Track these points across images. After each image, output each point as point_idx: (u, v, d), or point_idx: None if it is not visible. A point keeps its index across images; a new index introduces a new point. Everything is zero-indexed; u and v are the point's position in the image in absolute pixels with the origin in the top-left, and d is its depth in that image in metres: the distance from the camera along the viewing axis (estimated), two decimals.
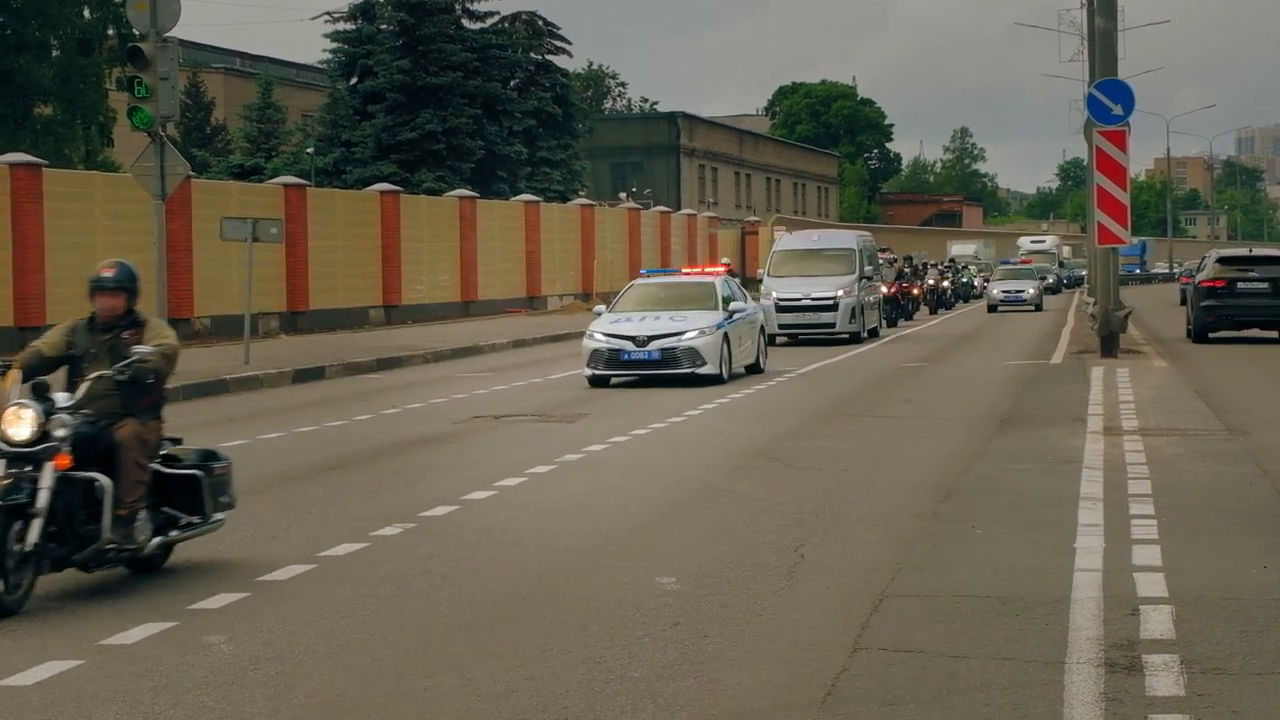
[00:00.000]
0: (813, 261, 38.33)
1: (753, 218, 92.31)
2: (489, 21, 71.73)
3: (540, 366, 30.37)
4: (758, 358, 27.53)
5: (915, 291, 54.63)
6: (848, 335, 37.08)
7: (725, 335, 25.44)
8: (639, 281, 28.68)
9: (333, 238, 44.91)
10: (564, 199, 68.53)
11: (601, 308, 27.30)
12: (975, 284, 74.98)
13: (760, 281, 45.92)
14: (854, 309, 37.05)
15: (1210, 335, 35.39)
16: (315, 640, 8.76)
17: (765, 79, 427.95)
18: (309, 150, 66.19)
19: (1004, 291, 60.54)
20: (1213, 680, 7.63)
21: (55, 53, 50.97)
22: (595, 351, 25.27)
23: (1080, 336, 36.99)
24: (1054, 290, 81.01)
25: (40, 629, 9.16)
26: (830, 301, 36.69)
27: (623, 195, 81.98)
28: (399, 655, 8.43)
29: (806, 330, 36.96)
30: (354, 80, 66.48)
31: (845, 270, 37.62)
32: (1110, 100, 30.11)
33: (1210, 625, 8.69)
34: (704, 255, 71.39)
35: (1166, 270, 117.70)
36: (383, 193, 48.75)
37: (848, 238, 40.89)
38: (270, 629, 9.03)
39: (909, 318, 51.26)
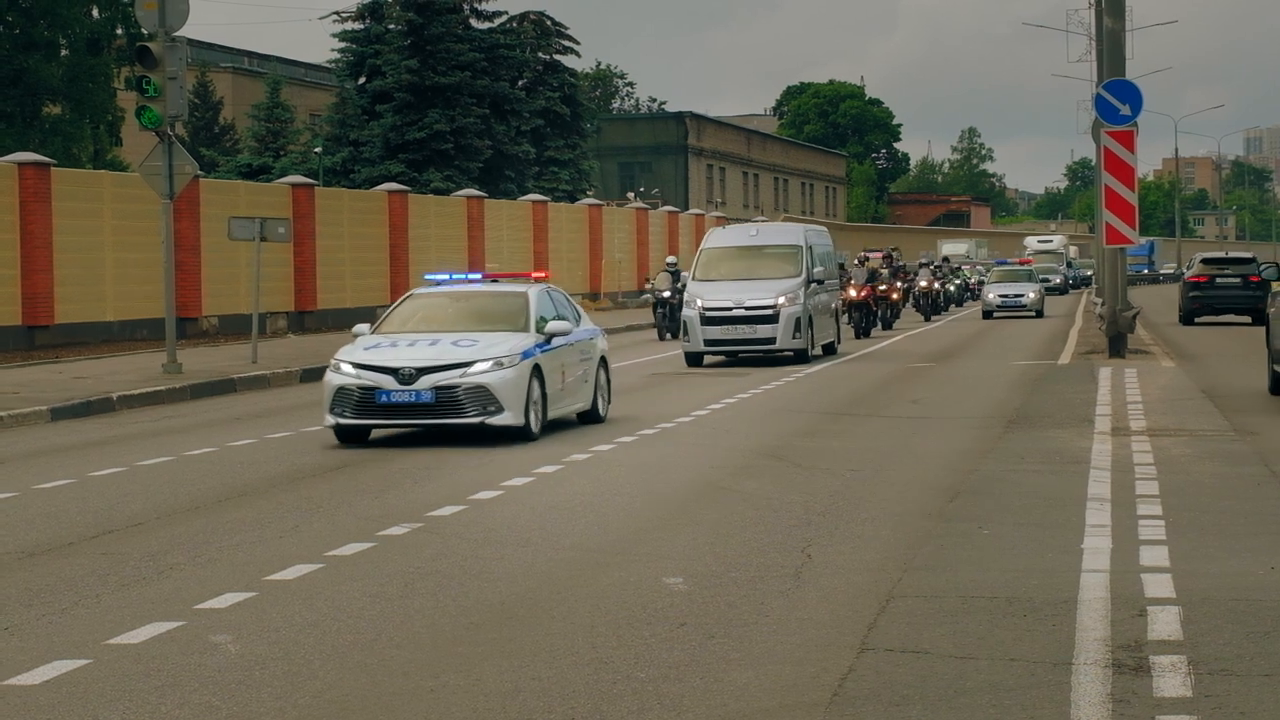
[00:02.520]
0: (749, 261, 31.51)
1: (760, 218, 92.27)
2: (497, 21, 71.84)
3: None
4: (595, 401, 19.92)
5: (894, 296, 47.07)
6: (791, 353, 30.33)
7: (536, 369, 18.00)
8: (420, 290, 20.46)
9: (340, 237, 44.96)
10: (572, 199, 68.57)
11: (363, 327, 19.26)
12: (969, 286, 70.15)
13: None
14: (799, 320, 30.06)
15: (1195, 320, 45.11)
16: (322, 640, 8.76)
17: (773, 79, 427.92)
18: (317, 150, 66.21)
19: (1001, 296, 54.67)
20: (1220, 681, 7.62)
21: (64, 52, 51.13)
22: (340, 391, 17.66)
23: (1088, 337, 36.98)
24: (1060, 291, 79.91)
25: (47, 628, 9.17)
26: (769, 311, 29.88)
27: (630, 195, 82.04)
28: (406, 655, 8.43)
29: (740, 347, 30.41)
30: (362, 80, 66.55)
31: (789, 272, 30.86)
32: (1118, 100, 30.09)
33: (1218, 626, 8.68)
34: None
35: (1174, 270, 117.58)
36: (390, 192, 48.79)
37: (793, 232, 33.62)
38: (277, 628, 9.03)
39: (888, 326, 45.43)
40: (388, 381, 17.49)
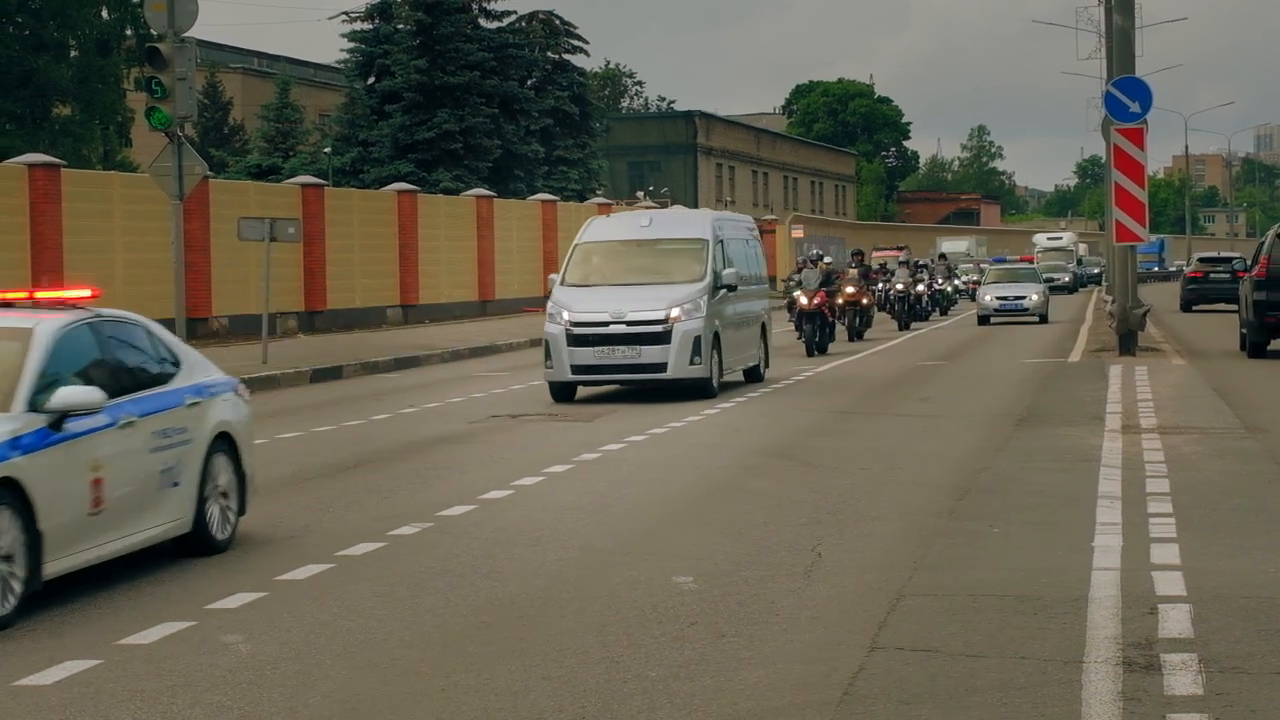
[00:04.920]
0: (638, 260, 23.93)
1: (770, 216, 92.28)
2: (506, 21, 71.85)
3: None
4: (201, 514, 11.36)
5: (865, 301, 39.64)
6: (689, 382, 22.63)
7: (7, 488, 9.47)
8: None
9: (350, 237, 44.97)
10: (581, 198, 68.57)
11: None
12: (961, 288, 62.73)
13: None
14: (699, 339, 22.50)
15: (1193, 308, 53.15)
16: (333, 639, 8.77)
17: (782, 77, 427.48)
18: (326, 150, 66.27)
19: (999, 298, 47.74)
20: (1231, 679, 7.61)
21: (74, 53, 51.20)
22: None
23: (1098, 334, 36.95)
24: (1070, 290, 79.41)
25: (59, 629, 9.19)
26: (658, 327, 22.38)
27: (640, 194, 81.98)
28: (416, 654, 8.44)
29: (619, 375, 22.84)
30: (371, 80, 66.58)
31: (690, 274, 23.33)
32: (1128, 98, 30.05)
33: (1229, 624, 8.67)
34: None
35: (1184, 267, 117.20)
36: (400, 192, 48.82)
37: (698, 221, 25.36)
38: (288, 628, 9.04)
39: (858, 337, 38.56)
40: None
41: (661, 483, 14.64)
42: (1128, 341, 30.27)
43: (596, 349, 22.43)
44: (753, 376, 25.58)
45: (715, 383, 23.07)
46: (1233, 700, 7.27)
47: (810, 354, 32.24)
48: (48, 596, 9.94)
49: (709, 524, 12.40)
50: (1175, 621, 8.70)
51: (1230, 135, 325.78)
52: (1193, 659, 7.93)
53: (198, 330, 36.34)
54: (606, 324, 22.47)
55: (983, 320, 47.51)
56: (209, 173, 33.04)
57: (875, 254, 59.28)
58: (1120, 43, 32.36)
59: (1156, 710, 7.14)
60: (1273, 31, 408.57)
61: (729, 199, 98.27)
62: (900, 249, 63.60)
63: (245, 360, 29.96)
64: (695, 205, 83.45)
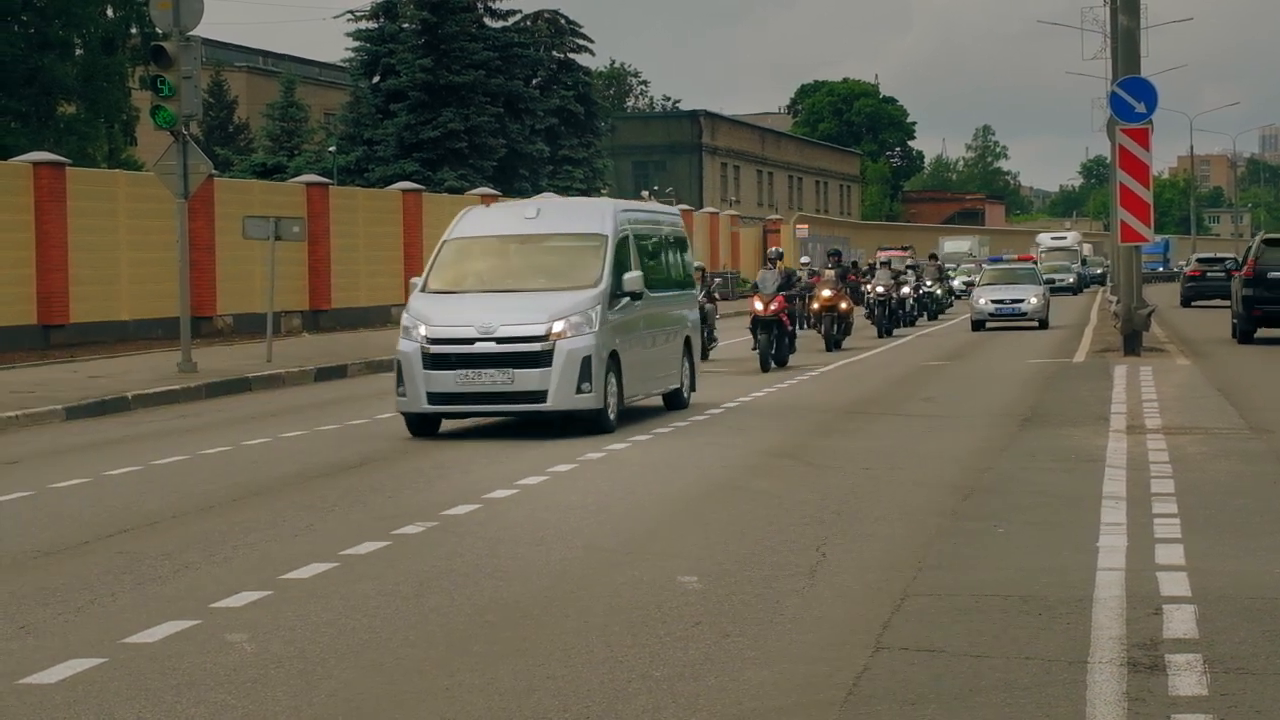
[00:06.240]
0: (520, 260, 19.73)
1: (774, 216, 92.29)
2: (511, 20, 71.95)
3: None
4: None
5: (844, 306, 35.28)
6: (576, 414, 18.45)
7: None
8: None
9: (355, 236, 45.01)
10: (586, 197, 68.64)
11: None
12: (954, 290, 60.84)
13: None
14: (588, 360, 18.24)
15: (1191, 304, 58.81)
16: (337, 638, 8.77)
17: (787, 77, 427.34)
18: (331, 149, 66.30)
19: (994, 301, 44.14)
20: (1236, 680, 7.60)
21: (79, 52, 51.26)
22: None
23: (1103, 335, 36.95)
24: (1074, 291, 79.03)
25: (62, 627, 9.19)
26: (536, 345, 18.14)
27: (645, 194, 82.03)
28: (420, 653, 8.43)
29: (487, 405, 18.53)
30: (376, 79, 66.65)
31: (584, 278, 19.03)
32: (1133, 98, 30.05)
33: (1234, 625, 8.66)
34: (725, 254, 70.93)
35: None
36: (405, 191, 48.85)
37: (596, 212, 20.58)
38: (292, 627, 9.04)
39: (835, 346, 34.63)
40: None
41: (665, 482, 14.64)
42: (1132, 342, 30.27)
43: (459, 373, 18.13)
44: (674, 403, 21.30)
45: (612, 414, 18.68)
46: (1237, 701, 7.26)
47: (765, 368, 28.12)
48: (50, 595, 9.94)
49: (712, 524, 12.40)
50: (1180, 622, 8.69)
51: (1235, 136, 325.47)
52: (1197, 659, 7.92)
53: (202, 329, 36.38)
54: (472, 341, 18.18)
55: (977, 326, 43.99)
56: (214, 171, 33.07)
57: (879, 253, 59.07)
58: (1125, 43, 32.34)
59: (1161, 711, 7.13)
60: (1278, 32, 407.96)
61: (734, 199, 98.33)
62: (905, 249, 63.50)
63: (249, 359, 30.00)
64: (700, 205, 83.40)
